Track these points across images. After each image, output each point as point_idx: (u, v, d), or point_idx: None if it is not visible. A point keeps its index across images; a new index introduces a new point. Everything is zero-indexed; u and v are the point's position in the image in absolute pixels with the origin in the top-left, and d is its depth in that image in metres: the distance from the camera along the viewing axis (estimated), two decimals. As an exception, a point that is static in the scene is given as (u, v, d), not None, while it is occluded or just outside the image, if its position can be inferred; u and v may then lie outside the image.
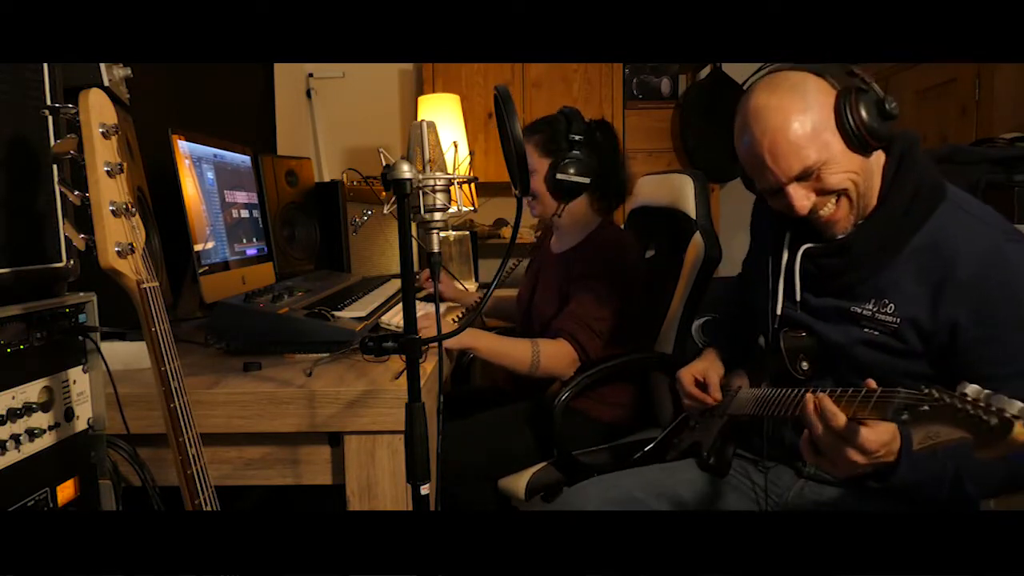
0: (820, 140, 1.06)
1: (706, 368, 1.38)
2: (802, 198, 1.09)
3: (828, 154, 1.07)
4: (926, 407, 0.77)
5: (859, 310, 1.13)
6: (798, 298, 1.20)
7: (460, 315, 2.03)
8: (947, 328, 1.05)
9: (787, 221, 1.20)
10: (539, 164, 1.82)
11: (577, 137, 1.78)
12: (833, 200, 1.11)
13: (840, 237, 1.14)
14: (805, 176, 1.08)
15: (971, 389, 0.75)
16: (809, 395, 0.97)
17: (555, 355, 1.72)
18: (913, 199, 1.10)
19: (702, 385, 1.36)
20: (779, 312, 1.21)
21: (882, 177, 1.12)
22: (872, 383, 0.91)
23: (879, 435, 0.92)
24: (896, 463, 0.95)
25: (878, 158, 1.13)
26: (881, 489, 1.11)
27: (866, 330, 1.12)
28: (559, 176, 1.77)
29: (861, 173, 1.10)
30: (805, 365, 1.18)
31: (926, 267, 1.07)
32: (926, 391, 0.78)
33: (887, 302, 1.10)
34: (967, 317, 1.04)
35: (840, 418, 0.92)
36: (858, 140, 1.06)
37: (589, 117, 1.86)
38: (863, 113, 1.05)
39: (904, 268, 1.09)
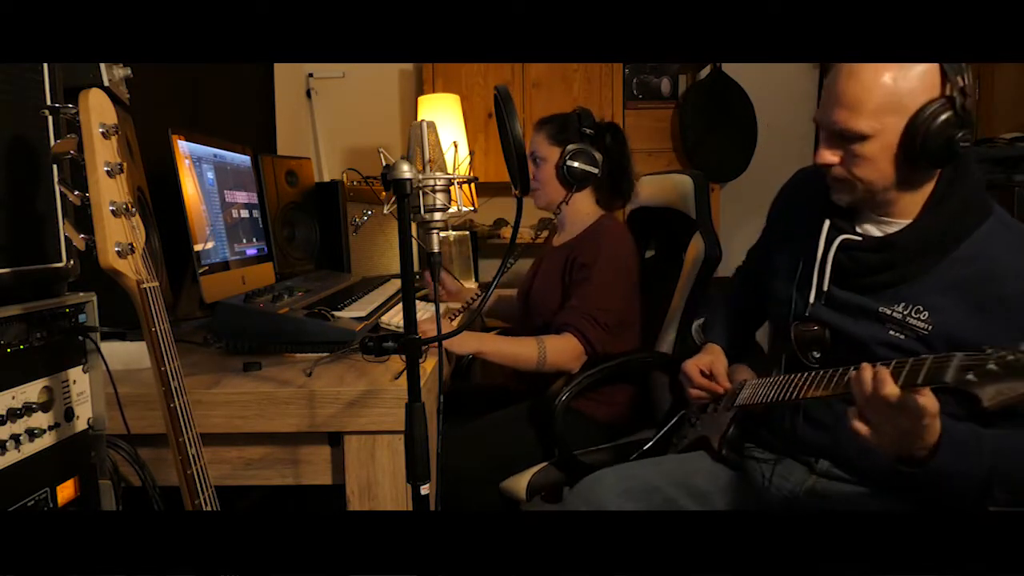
0: (884, 119, 1.05)
1: (711, 360, 1.38)
2: (828, 153, 1.10)
3: (877, 133, 1.06)
4: (992, 364, 0.77)
5: (888, 311, 1.12)
6: (825, 288, 1.19)
7: (458, 310, 2.03)
8: (986, 343, 1.04)
9: (828, 209, 1.20)
10: (549, 153, 1.85)
11: (588, 131, 1.83)
12: (846, 177, 1.11)
13: (880, 236, 1.15)
14: (845, 138, 1.08)
15: None
16: (865, 364, 0.95)
17: (562, 350, 1.72)
18: (961, 211, 1.10)
19: (708, 376, 1.37)
20: (811, 300, 1.21)
21: (935, 184, 1.12)
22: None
23: (931, 401, 0.89)
24: (936, 447, 0.94)
25: (915, 174, 1.11)
26: (902, 483, 1.06)
27: (891, 332, 1.11)
28: (569, 162, 1.81)
29: (880, 176, 1.09)
30: (817, 354, 1.19)
31: (968, 280, 1.07)
32: (989, 350, 0.79)
33: (921, 308, 1.09)
34: (1008, 333, 0.99)
35: (890, 384, 0.90)
36: (909, 145, 1.05)
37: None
38: (934, 128, 1.03)
39: (943, 278, 1.09)
